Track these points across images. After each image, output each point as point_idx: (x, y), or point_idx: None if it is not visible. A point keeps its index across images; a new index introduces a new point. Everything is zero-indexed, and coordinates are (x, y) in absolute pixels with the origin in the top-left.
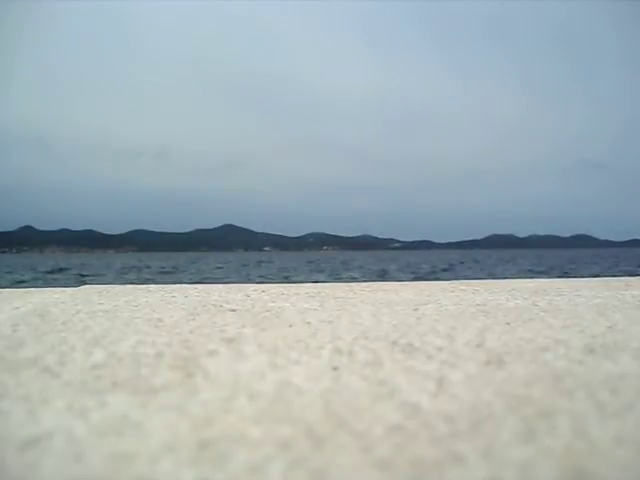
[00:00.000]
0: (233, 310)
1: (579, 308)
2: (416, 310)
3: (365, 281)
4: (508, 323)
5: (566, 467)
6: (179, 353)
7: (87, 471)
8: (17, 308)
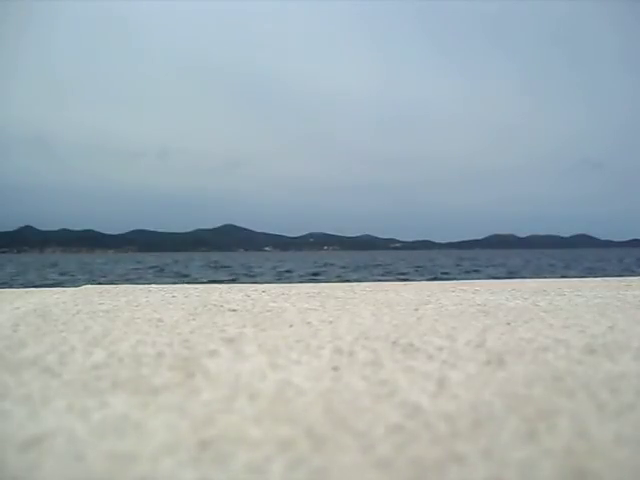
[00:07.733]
0: (233, 310)
1: (580, 308)
2: (416, 310)
3: (366, 281)
4: (508, 323)
5: (566, 467)
6: (180, 353)
7: (88, 471)
8: (17, 308)
